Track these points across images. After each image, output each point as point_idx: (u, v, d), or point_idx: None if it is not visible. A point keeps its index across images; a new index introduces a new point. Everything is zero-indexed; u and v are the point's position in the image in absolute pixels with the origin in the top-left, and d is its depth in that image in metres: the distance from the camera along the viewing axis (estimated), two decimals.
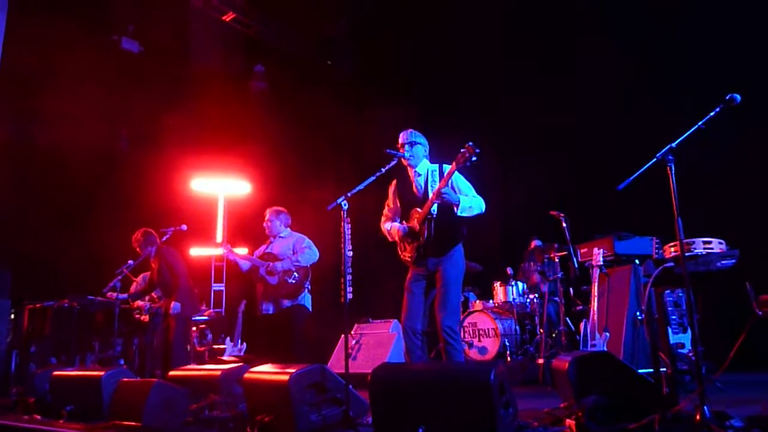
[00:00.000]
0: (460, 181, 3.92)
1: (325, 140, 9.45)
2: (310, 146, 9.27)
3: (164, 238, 5.84)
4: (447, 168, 3.79)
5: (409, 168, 4.05)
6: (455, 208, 3.75)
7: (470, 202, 3.81)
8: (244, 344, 6.20)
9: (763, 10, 6.17)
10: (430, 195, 3.82)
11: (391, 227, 4.09)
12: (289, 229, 5.50)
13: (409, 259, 3.92)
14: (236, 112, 8.55)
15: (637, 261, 5.29)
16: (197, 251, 8.48)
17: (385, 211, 4.22)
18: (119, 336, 6.01)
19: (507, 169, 8.35)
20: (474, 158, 3.53)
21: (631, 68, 6.73)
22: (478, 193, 3.94)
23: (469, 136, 3.71)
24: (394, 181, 4.17)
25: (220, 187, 8.96)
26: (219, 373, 3.91)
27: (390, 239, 4.12)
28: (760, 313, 3.13)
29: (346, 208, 3.51)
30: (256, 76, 9.17)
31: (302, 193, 8.32)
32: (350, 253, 3.55)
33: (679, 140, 2.88)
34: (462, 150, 3.58)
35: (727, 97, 2.82)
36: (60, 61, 7.19)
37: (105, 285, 5.59)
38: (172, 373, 4.26)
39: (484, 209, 3.88)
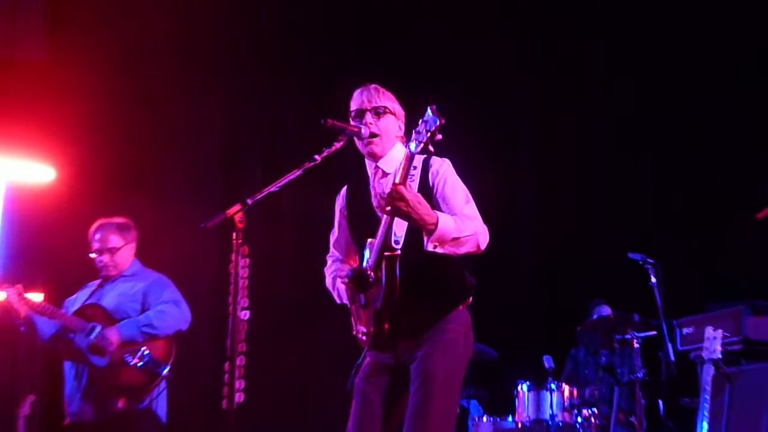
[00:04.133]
0: (446, 179, 3.88)
1: (208, 100, 9.37)
2: (176, 111, 9.09)
3: None
4: (436, 162, 3.84)
5: (368, 160, 4.00)
6: (423, 236, 3.59)
7: (458, 227, 3.60)
8: None
9: None
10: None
11: (333, 276, 4.08)
12: (137, 261, 5.66)
13: (364, 338, 3.85)
14: (33, 45, 8.53)
15: None
16: None
17: (331, 243, 4.25)
18: None
19: (545, 179, 8.67)
20: (438, 135, 3.41)
21: None
22: (481, 213, 3.83)
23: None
24: (344, 188, 4.22)
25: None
26: None
27: (338, 301, 4.10)
28: None
29: (241, 226, 3.35)
30: None
31: (158, 195, 8.28)
32: (245, 315, 3.33)
33: None
34: (421, 121, 3.47)
35: None
36: None
37: None
38: None
39: (483, 246, 3.74)
